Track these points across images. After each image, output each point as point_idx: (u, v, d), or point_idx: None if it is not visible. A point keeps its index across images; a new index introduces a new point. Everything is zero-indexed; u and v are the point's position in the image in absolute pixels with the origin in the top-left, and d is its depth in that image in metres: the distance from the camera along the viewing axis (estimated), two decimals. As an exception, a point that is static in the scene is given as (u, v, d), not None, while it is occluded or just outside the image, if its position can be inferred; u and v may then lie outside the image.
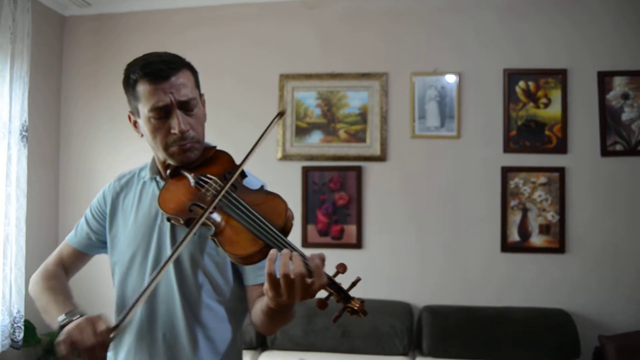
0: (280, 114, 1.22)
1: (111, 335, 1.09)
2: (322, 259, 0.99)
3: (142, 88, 1.22)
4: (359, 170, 3.43)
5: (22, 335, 3.02)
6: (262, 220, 1.09)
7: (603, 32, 3.27)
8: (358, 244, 3.41)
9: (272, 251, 1.00)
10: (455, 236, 3.36)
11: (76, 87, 3.74)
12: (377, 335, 3.15)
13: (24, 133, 3.07)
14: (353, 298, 1.02)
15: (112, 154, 3.63)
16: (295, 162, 3.48)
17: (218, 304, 1.30)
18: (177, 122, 1.21)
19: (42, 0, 3.48)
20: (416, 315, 3.30)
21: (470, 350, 3.06)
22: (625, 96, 3.23)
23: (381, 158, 3.41)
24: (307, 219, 3.45)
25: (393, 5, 3.47)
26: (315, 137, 3.48)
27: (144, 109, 1.23)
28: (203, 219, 1.12)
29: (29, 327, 3.12)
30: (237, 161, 1.27)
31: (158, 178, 1.36)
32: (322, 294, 1.02)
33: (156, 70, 1.21)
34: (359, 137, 3.45)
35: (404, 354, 3.15)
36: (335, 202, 3.44)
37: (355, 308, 1.01)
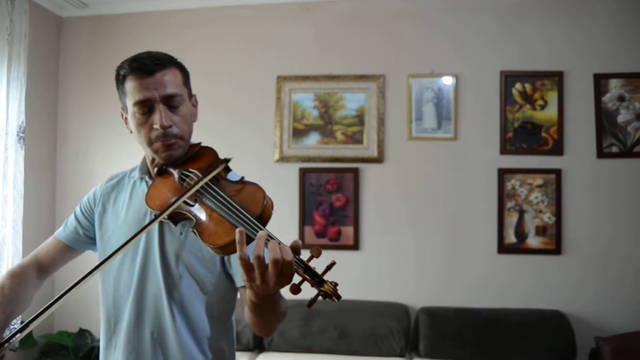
0: (227, 160, 1.25)
1: (3, 348, 1.09)
2: (297, 246, 0.98)
3: (129, 84, 1.25)
4: (356, 172, 3.43)
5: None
6: (239, 209, 1.09)
7: (599, 34, 3.28)
8: (355, 246, 3.41)
9: (237, 232, 0.96)
10: (452, 238, 3.37)
11: (73, 88, 3.74)
12: (374, 337, 3.15)
13: (21, 134, 3.07)
14: (326, 282, 0.98)
15: (109, 155, 3.63)
16: (292, 164, 3.48)
17: (203, 302, 1.30)
18: (159, 117, 1.24)
19: (39, 2, 3.48)
20: (413, 316, 3.30)
21: (467, 351, 3.07)
22: (621, 98, 3.25)
23: (378, 160, 3.42)
24: (304, 221, 3.45)
25: (390, 8, 3.48)
26: (313, 139, 3.49)
27: (129, 103, 1.27)
28: (177, 204, 1.14)
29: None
30: (222, 156, 1.28)
31: (147, 178, 1.38)
32: (296, 279, 0.98)
33: (142, 65, 1.24)
34: (356, 138, 3.46)
35: (401, 356, 3.15)
36: (333, 203, 3.44)
37: (329, 292, 0.97)
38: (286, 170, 3.48)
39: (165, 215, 1.17)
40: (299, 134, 3.50)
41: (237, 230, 0.97)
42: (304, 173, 3.47)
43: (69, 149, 3.72)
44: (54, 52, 3.71)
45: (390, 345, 3.14)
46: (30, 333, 3.16)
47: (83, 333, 3.42)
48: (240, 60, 3.57)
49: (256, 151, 3.48)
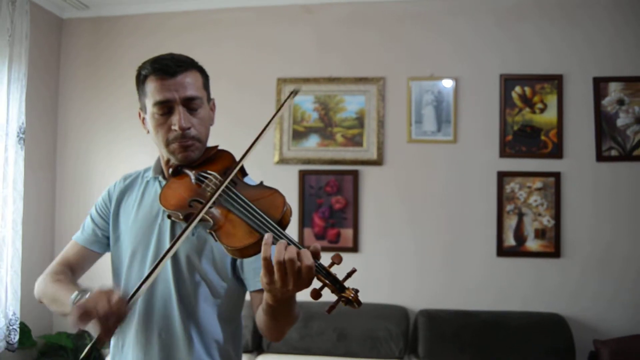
0: (295, 92, 1.24)
1: (127, 306, 1.09)
2: (316, 250, 1.00)
3: (150, 84, 1.26)
4: (355, 174, 3.43)
5: (17, 337, 3.02)
6: (260, 213, 1.09)
7: (599, 38, 3.29)
8: (354, 248, 3.41)
9: (267, 235, 1.00)
10: (451, 240, 3.37)
11: (73, 90, 3.74)
12: (372, 339, 3.15)
13: (21, 135, 3.08)
14: (348, 288, 1.00)
15: (109, 156, 3.63)
16: (292, 166, 3.49)
17: (213, 305, 1.30)
18: (178, 119, 1.24)
19: (40, 3, 3.49)
20: (412, 319, 3.30)
21: (466, 354, 3.07)
22: (620, 102, 3.25)
23: (378, 162, 3.42)
24: (303, 223, 3.45)
25: (390, 11, 3.48)
26: (312, 141, 3.49)
27: (149, 104, 1.27)
28: (202, 213, 1.13)
29: (24, 329, 3.12)
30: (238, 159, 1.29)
31: (160, 178, 1.38)
32: (316, 284, 1.00)
33: (164, 66, 1.25)
34: (355, 141, 3.46)
35: (400, 358, 3.15)
36: (332, 205, 3.45)
37: (350, 298, 0.99)
38: (286, 173, 3.48)
39: (181, 215, 1.18)
40: (298, 136, 3.50)
41: (266, 234, 1.00)
42: (303, 175, 3.47)
43: (69, 150, 3.72)
44: (54, 53, 3.72)
45: (389, 347, 3.14)
46: (29, 333, 3.17)
47: (82, 334, 3.41)
48: (240, 62, 3.58)
49: (256, 153, 3.47)
